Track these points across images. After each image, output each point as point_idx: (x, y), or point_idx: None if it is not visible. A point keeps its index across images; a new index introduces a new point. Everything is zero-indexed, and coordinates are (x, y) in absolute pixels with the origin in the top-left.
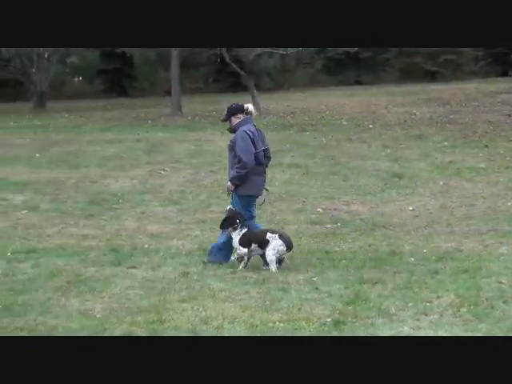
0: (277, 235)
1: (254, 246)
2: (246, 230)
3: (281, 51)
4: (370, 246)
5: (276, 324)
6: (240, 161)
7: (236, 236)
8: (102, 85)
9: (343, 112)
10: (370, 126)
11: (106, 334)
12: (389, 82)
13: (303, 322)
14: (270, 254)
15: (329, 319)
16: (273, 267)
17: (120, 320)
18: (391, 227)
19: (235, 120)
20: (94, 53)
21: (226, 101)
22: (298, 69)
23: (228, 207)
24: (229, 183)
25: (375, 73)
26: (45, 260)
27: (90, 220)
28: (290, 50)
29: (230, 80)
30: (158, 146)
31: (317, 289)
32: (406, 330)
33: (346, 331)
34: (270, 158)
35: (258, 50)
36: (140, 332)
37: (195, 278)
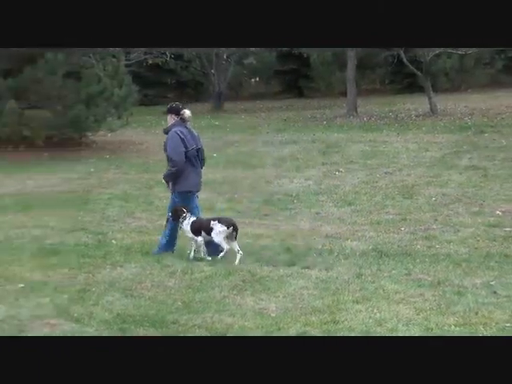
0: (216, 221)
1: (203, 233)
2: (193, 218)
3: (460, 51)
4: None
5: (452, 328)
6: (170, 160)
7: (186, 225)
8: (278, 86)
9: None
10: None
11: (281, 333)
12: None
13: (480, 327)
14: (216, 238)
15: (508, 324)
16: (223, 245)
17: (294, 320)
18: None
19: (170, 120)
20: (272, 54)
21: (401, 102)
22: (477, 69)
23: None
24: (163, 180)
25: None
26: (221, 259)
27: (264, 220)
28: (470, 50)
29: (407, 81)
30: (333, 147)
31: (495, 293)
32: None
33: None
34: (204, 160)
35: (437, 51)
36: (314, 332)
37: (369, 279)
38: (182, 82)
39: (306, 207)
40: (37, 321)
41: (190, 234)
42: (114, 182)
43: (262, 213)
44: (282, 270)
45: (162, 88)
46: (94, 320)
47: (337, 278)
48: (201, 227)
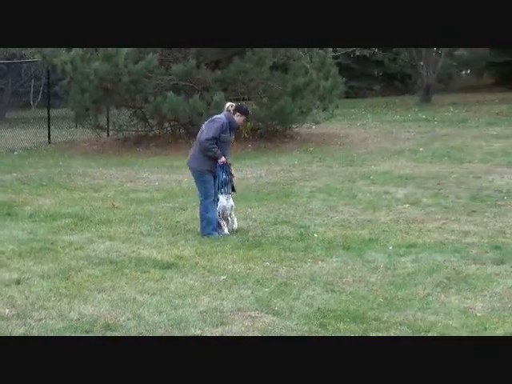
0: None
1: None
2: None
3: None
4: None
5: None
6: None
7: None
8: (491, 78)
9: None
10: None
11: (486, 333)
12: None
13: None
14: None
15: None
16: None
17: (502, 320)
18: None
19: None
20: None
21: None
22: None
23: None
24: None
25: None
26: (424, 255)
27: (471, 216)
28: None
29: None
30: None
31: None
32: None
33: None
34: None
35: None
36: None
37: None
38: (389, 74)
39: None
40: (238, 313)
41: None
42: (317, 175)
43: (469, 209)
44: (489, 269)
45: (368, 80)
46: (295, 314)
47: None
48: None
